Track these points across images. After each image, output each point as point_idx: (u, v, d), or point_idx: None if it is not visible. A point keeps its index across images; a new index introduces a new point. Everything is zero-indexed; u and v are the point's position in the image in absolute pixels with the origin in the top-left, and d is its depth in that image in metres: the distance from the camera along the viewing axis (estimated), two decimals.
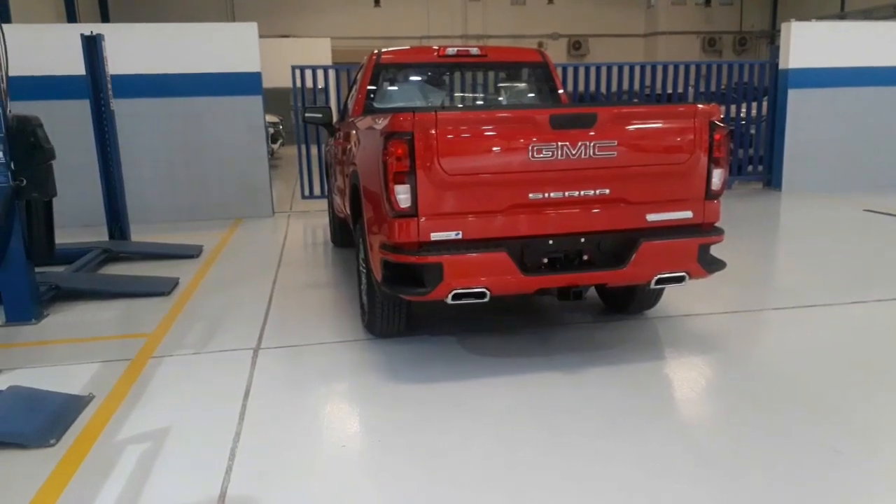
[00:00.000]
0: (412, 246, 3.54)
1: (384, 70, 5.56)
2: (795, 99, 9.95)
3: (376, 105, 5.36)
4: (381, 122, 3.71)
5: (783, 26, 10.11)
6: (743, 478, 2.73)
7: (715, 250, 3.91)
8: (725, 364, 3.91)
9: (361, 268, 4.42)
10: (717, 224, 3.86)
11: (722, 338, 4.31)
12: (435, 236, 3.53)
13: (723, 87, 10.44)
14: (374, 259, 3.84)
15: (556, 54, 24.24)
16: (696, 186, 3.72)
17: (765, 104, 10.42)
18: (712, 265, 3.85)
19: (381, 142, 3.50)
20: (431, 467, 2.86)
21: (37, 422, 3.20)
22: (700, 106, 3.70)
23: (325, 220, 8.16)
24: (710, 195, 3.75)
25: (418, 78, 5.90)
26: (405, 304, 4.14)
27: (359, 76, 5.70)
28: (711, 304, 4.86)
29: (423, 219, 3.50)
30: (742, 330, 4.51)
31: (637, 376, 3.73)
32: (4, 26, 4.44)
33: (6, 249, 4.53)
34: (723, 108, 9.09)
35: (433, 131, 3.42)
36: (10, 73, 4.51)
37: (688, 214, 3.74)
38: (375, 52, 5.51)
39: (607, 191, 3.60)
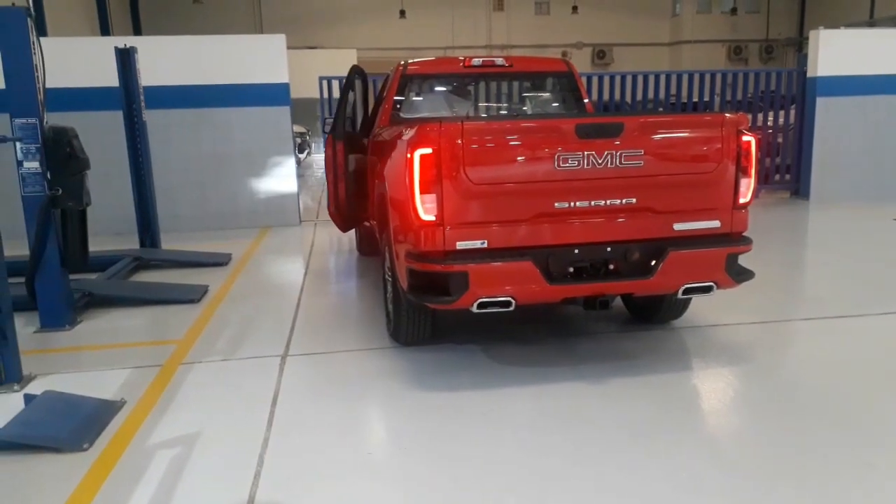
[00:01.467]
0: (438, 255, 3.56)
1: (411, 81, 5.61)
2: (824, 107, 9.83)
3: (403, 115, 5.41)
4: (408, 133, 3.75)
5: (811, 34, 10.01)
6: (774, 492, 2.70)
7: (742, 260, 3.88)
8: (753, 375, 3.87)
9: (387, 276, 4.45)
10: (745, 233, 3.83)
11: (750, 349, 4.26)
12: (461, 245, 3.55)
13: (749, 95, 10.35)
14: (400, 267, 3.88)
15: (581, 63, 24.20)
16: (723, 196, 3.70)
17: (792, 112, 10.31)
18: (740, 275, 3.82)
19: (407, 152, 3.54)
20: (456, 476, 2.87)
21: (71, 426, 3.27)
22: (727, 115, 3.68)
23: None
24: (739, 204, 3.73)
25: (444, 88, 5.95)
26: (430, 313, 4.16)
27: (385, 87, 5.76)
28: (739, 315, 4.81)
29: (448, 228, 3.52)
30: (770, 341, 4.46)
31: (664, 387, 3.70)
32: (42, 39, 4.56)
33: (42, 257, 4.63)
34: (749, 116, 9.00)
35: (459, 141, 3.45)
36: (47, 85, 4.63)
37: (715, 224, 3.72)
38: (402, 63, 5.57)
39: (634, 200, 3.60)
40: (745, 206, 3.76)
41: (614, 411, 3.42)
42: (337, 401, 3.66)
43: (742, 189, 3.71)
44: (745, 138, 3.66)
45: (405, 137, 3.75)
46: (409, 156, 3.51)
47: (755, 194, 3.80)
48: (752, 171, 3.72)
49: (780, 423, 3.27)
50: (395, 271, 4.09)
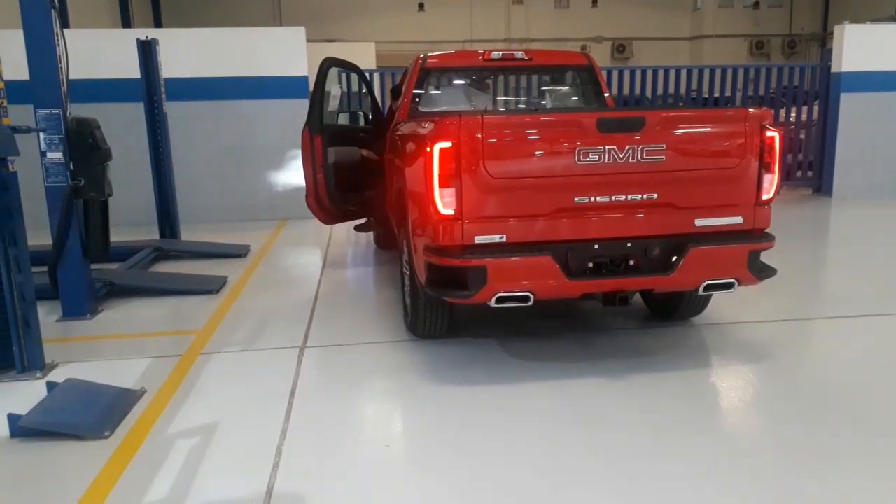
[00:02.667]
0: (456, 249, 3.56)
1: (430, 74, 5.59)
2: (848, 103, 9.68)
3: (422, 109, 5.40)
4: (427, 126, 3.74)
5: (836, 29, 9.86)
6: (795, 489, 2.68)
7: (764, 257, 3.83)
8: (774, 374, 3.83)
9: (405, 269, 4.46)
10: (767, 230, 3.79)
11: (771, 347, 4.22)
12: (479, 239, 3.54)
13: (772, 90, 10.23)
14: (419, 261, 3.87)
15: (600, 58, 24.01)
16: (746, 191, 3.66)
17: (815, 108, 10.17)
18: (763, 272, 3.78)
19: (426, 145, 3.53)
20: (474, 470, 2.87)
21: (92, 414, 3.31)
22: (751, 110, 3.64)
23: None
24: (761, 201, 3.68)
25: (464, 82, 5.93)
26: (448, 307, 4.16)
27: (404, 80, 5.75)
28: (760, 312, 4.76)
29: (467, 222, 3.51)
30: (792, 339, 4.41)
31: (683, 384, 3.68)
32: (65, 31, 4.60)
33: (65, 247, 4.68)
34: (772, 111, 8.89)
35: (479, 135, 3.44)
36: (70, 77, 4.67)
37: (738, 220, 3.68)
38: (421, 56, 5.55)
39: (655, 195, 3.57)
40: (768, 202, 3.71)
41: (633, 408, 3.40)
42: (354, 393, 3.68)
43: (765, 185, 3.67)
44: (768, 133, 3.62)
45: (425, 131, 3.74)
46: (428, 149, 3.50)
47: (778, 191, 3.75)
48: (776, 167, 3.67)
49: (802, 422, 3.23)
50: (413, 265, 4.09)
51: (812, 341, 4.47)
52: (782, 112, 10.17)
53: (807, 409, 3.37)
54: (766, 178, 3.66)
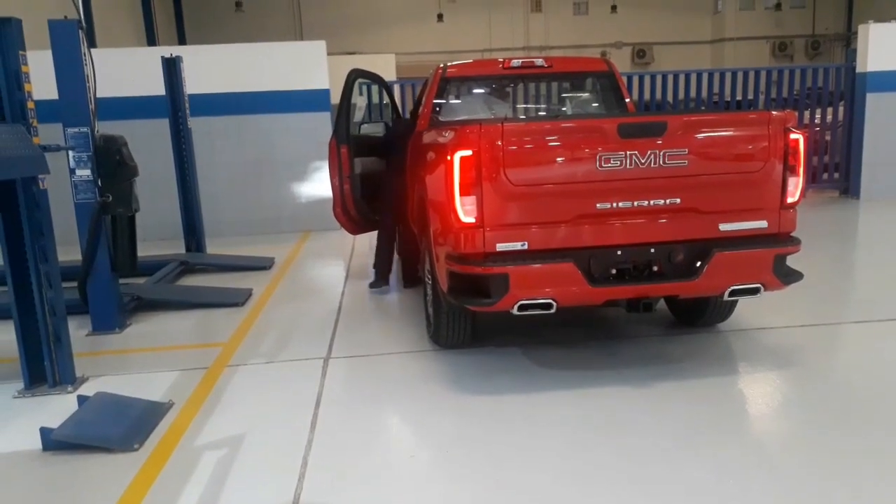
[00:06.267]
0: (478, 257, 3.56)
1: (450, 84, 5.61)
2: (874, 103, 9.52)
3: (442, 118, 5.42)
4: (448, 135, 3.76)
5: (860, 28, 9.73)
6: (826, 499, 2.63)
7: (790, 261, 3.78)
8: (803, 380, 3.77)
9: (427, 278, 4.46)
10: (793, 234, 3.74)
11: (799, 352, 4.15)
12: (501, 247, 3.54)
13: (795, 92, 10.11)
14: (440, 270, 3.88)
15: (620, 63, 23.94)
16: (770, 195, 3.62)
17: (841, 109, 10.03)
18: (789, 276, 3.73)
19: (447, 154, 3.54)
20: (499, 480, 2.86)
21: (122, 427, 3.35)
22: (774, 112, 3.60)
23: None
24: (786, 204, 3.64)
25: (484, 90, 5.94)
26: (470, 315, 4.16)
27: (425, 90, 5.77)
28: (787, 317, 4.69)
29: (488, 230, 3.51)
30: (820, 344, 4.34)
31: (710, 392, 3.63)
32: (92, 51, 4.70)
33: (94, 262, 4.77)
34: (796, 114, 8.79)
35: (499, 143, 3.44)
36: (97, 95, 4.76)
37: (762, 224, 3.64)
38: (441, 66, 5.58)
39: (678, 200, 3.54)
40: (793, 205, 3.67)
41: (659, 416, 3.37)
42: (379, 403, 3.69)
43: (790, 188, 3.62)
44: (792, 136, 3.57)
45: (445, 140, 3.76)
46: (449, 158, 3.51)
47: (803, 193, 3.70)
48: (801, 170, 3.63)
49: (832, 429, 3.18)
50: (434, 274, 4.10)
51: (842, 346, 4.39)
52: (807, 114, 10.04)
53: (837, 415, 3.31)
54: (791, 180, 3.61)
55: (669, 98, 9.97)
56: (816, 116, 10.11)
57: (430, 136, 4.44)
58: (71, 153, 4.63)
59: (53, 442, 3.20)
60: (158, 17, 20.03)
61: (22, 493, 2.95)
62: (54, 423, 3.31)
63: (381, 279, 5.93)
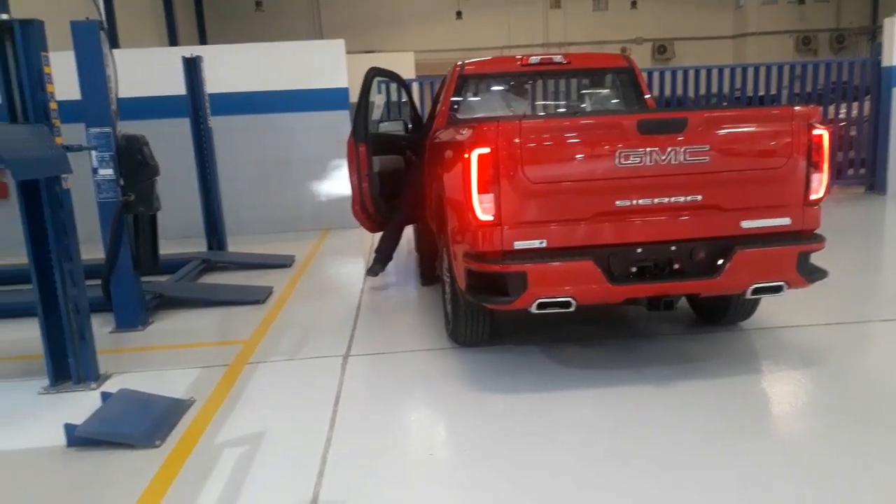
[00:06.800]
0: (496, 255, 3.54)
1: (468, 81, 5.60)
2: None
3: (460, 116, 5.41)
4: (466, 132, 3.74)
5: (886, 21, 9.56)
6: (853, 503, 2.58)
7: (814, 258, 3.72)
8: (828, 379, 3.71)
9: (445, 276, 4.46)
10: (817, 231, 3.68)
11: (823, 351, 4.09)
12: (519, 245, 3.52)
13: (820, 87, 9.96)
14: (459, 268, 3.87)
15: (640, 59, 23.70)
16: (794, 192, 3.56)
17: (867, 104, 9.86)
18: (813, 274, 3.67)
19: (465, 151, 3.53)
20: (518, 479, 2.84)
21: (144, 424, 3.39)
22: (797, 108, 3.54)
23: (409, 230, 8.26)
24: (810, 201, 3.58)
25: (502, 88, 5.92)
26: (489, 313, 4.15)
27: (443, 88, 5.77)
28: (811, 316, 4.62)
29: (506, 228, 3.50)
30: (845, 343, 4.27)
31: (733, 391, 3.58)
32: (114, 51, 4.75)
33: (116, 261, 4.82)
34: (820, 109, 8.66)
35: (517, 140, 3.43)
36: (119, 95, 4.81)
37: (786, 221, 3.58)
38: (459, 63, 5.57)
39: (699, 197, 3.50)
40: (817, 202, 3.61)
41: (680, 416, 3.33)
42: (398, 401, 3.69)
43: (814, 185, 3.56)
44: (816, 132, 3.52)
45: (463, 137, 3.75)
46: (466, 155, 3.50)
47: (828, 190, 3.64)
48: (825, 166, 3.57)
49: (858, 430, 3.12)
50: (453, 271, 4.09)
51: (867, 345, 4.31)
52: (832, 109, 9.88)
53: (863, 416, 3.25)
54: (815, 177, 3.55)
55: (691, 94, 9.87)
56: (841, 111, 9.95)
57: (448, 134, 4.43)
58: (93, 153, 4.69)
59: (77, 438, 3.24)
60: (179, 18, 20.22)
61: (46, 488, 2.99)
62: (78, 419, 3.35)
63: (378, 265, 5.98)
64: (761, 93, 9.92)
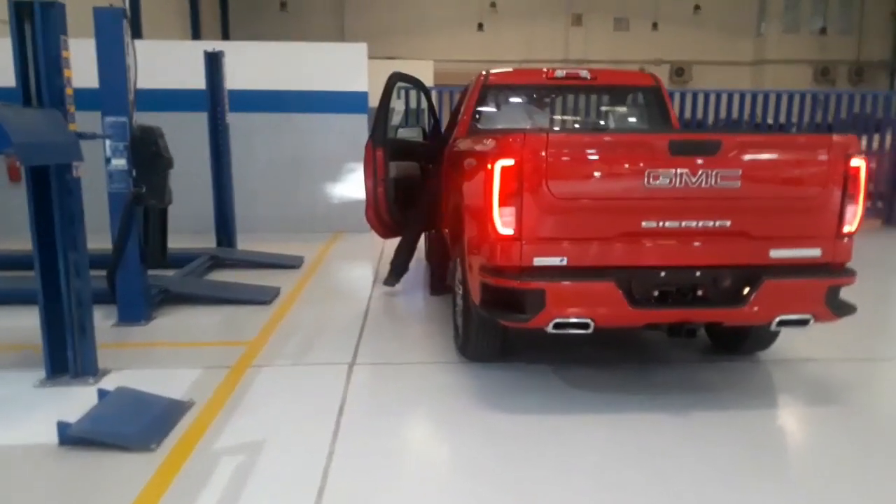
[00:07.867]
0: (514, 270, 3.43)
1: (491, 91, 5.49)
2: None
3: (482, 126, 5.30)
4: (489, 143, 3.64)
5: None
6: None
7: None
8: (847, 416, 3.57)
9: (457, 288, 4.34)
10: (847, 264, 3.55)
11: (844, 387, 3.95)
12: (538, 261, 3.41)
13: (842, 118, 9.85)
14: (473, 281, 3.76)
15: None
16: (827, 223, 3.44)
17: (887, 137, 9.75)
18: (842, 309, 3.54)
19: (488, 162, 3.43)
20: (523, 503, 2.72)
21: (140, 425, 3.27)
22: (835, 137, 3.43)
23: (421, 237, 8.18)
24: (843, 233, 3.46)
25: (526, 100, 5.82)
26: (501, 329, 4.03)
27: (465, 97, 5.67)
28: (832, 350, 4.49)
29: (526, 243, 3.39)
30: (866, 380, 4.13)
31: (748, 424, 3.45)
32: (135, 41, 4.67)
33: (124, 253, 4.73)
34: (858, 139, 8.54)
35: (543, 153, 3.32)
36: (138, 86, 4.73)
37: (816, 252, 3.46)
38: (483, 73, 5.47)
39: (728, 223, 3.38)
40: (850, 234, 3.49)
41: (695, 447, 3.20)
42: (402, 415, 3.57)
43: (848, 216, 3.44)
44: (853, 162, 3.40)
45: (486, 148, 3.64)
46: (489, 167, 3.40)
47: (862, 222, 3.51)
48: (860, 198, 3.45)
49: (879, 471, 2.99)
50: (466, 284, 3.97)
51: (889, 383, 4.17)
52: None
53: (885, 456, 3.12)
54: (850, 209, 3.43)
55: (710, 118, 9.77)
56: (861, 143, 9.84)
57: (470, 144, 4.33)
58: (108, 142, 4.61)
59: (70, 437, 3.13)
60: (204, 13, 20.26)
61: (33, 489, 2.87)
62: (73, 416, 3.24)
63: (393, 276, 5.91)
64: (782, 121, 9.81)
